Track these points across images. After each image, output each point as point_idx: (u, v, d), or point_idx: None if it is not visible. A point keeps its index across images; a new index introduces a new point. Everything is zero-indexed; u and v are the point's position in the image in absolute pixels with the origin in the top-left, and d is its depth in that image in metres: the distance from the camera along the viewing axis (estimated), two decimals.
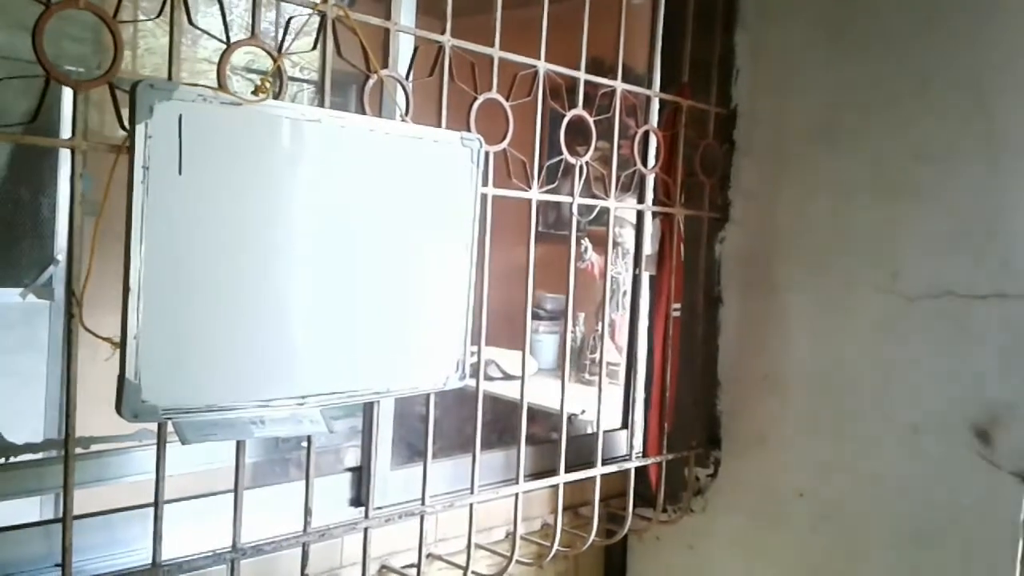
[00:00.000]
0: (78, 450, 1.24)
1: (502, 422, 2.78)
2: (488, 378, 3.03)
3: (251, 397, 1.33)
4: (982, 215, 1.79)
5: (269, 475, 2.44)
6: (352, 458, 1.93)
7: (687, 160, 2.10)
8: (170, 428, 1.28)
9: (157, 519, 1.30)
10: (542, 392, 2.31)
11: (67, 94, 2.40)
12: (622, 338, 3.12)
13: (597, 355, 3.63)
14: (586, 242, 3.44)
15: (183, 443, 1.24)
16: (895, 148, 1.92)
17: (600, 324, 3.59)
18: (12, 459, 1.98)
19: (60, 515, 1.24)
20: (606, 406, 2.06)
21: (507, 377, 3.34)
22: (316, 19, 1.42)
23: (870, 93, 1.96)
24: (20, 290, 2.85)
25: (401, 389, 1.56)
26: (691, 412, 2.21)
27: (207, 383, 1.28)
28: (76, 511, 1.24)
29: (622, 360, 2.86)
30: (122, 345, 1.18)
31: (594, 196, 1.93)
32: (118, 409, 1.19)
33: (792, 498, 2.08)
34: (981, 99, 1.80)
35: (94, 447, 1.96)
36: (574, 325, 3.42)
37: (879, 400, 1.93)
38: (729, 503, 2.22)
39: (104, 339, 1.20)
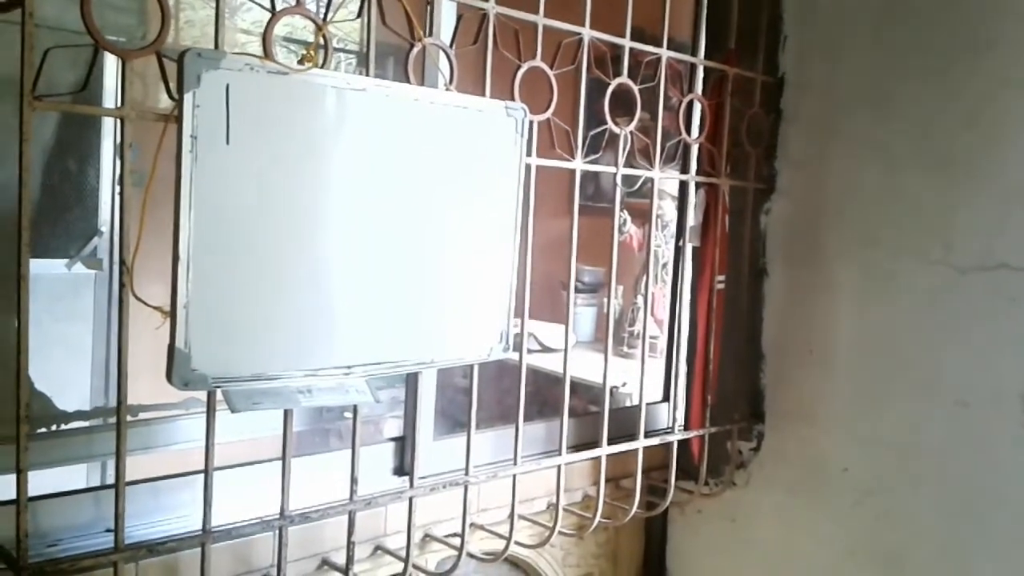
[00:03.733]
0: (127, 418, 1.25)
1: (541, 394, 2.78)
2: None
3: (298, 366, 1.33)
4: None
5: (311, 445, 2.47)
6: (393, 428, 1.94)
7: (733, 130, 2.06)
8: (218, 396, 1.29)
9: (207, 487, 1.32)
10: (580, 365, 2.30)
11: (109, 66, 2.42)
12: (661, 311, 3.09)
13: (636, 328, 3.62)
14: (624, 214, 3.41)
15: (232, 411, 1.25)
16: (947, 116, 1.87)
17: (641, 297, 3.57)
18: (62, 427, 2.01)
19: (109, 482, 1.26)
20: (647, 378, 2.05)
21: (545, 349, 3.34)
22: None
23: (922, 60, 1.90)
24: (66, 261, 2.89)
25: (446, 359, 1.55)
26: (734, 385, 2.19)
27: (255, 352, 1.28)
28: (126, 479, 1.26)
29: (661, 333, 2.84)
30: (172, 314, 1.19)
31: (635, 167, 1.90)
32: (169, 378, 1.19)
33: (837, 472, 2.05)
34: None
35: (142, 415, 1.99)
36: (609, 291, 3.40)
37: (928, 374, 1.90)
38: (772, 477, 2.20)
39: (154, 308, 1.21)
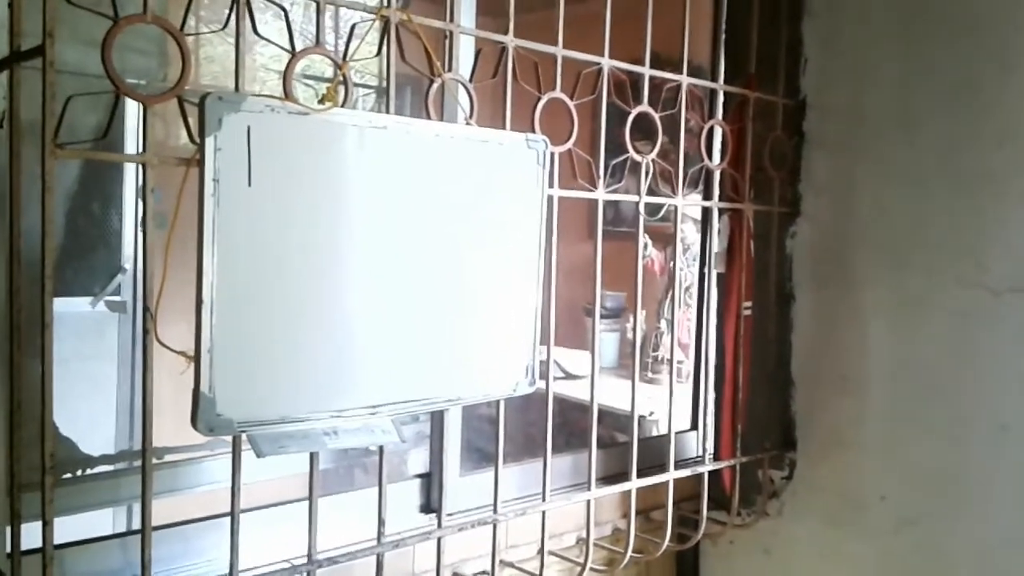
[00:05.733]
0: (152, 460, 1.24)
1: (567, 423, 2.75)
2: None
3: (323, 408, 1.32)
4: None
5: (336, 481, 2.44)
6: (417, 463, 1.92)
7: (755, 154, 2.04)
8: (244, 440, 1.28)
9: (233, 533, 1.30)
10: (605, 391, 2.26)
11: (131, 107, 2.44)
12: (684, 335, 3.06)
13: (660, 353, 3.58)
14: (645, 238, 3.38)
15: (258, 456, 1.24)
16: (976, 135, 1.83)
17: (664, 322, 3.54)
18: (87, 471, 2.01)
19: (136, 526, 1.25)
20: (674, 406, 2.01)
21: (568, 377, 3.31)
22: (375, 24, 1.40)
23: (947, 79, 1.87)
24: (90, 299, 2.90)
25: (472, 396, 1.53)
26: (764, 413, 2.15)
27: (280, 395, 1.27)
28: (152, 523, 1.24)
29: (686, 358, 2.81)
30: (196, 359, 1.18)
31: (658, 193, 1.88)
32: (194, 423, 1.18)
33: (873, 501, 2.01)
34: None
35: (167, 457, 1.98)
36: (635, 321, 3.37)
37: (965, 398, 1.85)
38: (806, 506, 2.15)
39: (179, 353, 1.20)
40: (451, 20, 1.53)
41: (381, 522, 1.48)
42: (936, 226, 1.89)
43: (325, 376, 1.32)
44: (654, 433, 2.77)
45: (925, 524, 1.92)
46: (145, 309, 1.17)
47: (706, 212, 2.10)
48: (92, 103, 1.35)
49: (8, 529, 1.13)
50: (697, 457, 2.25)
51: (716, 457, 2.13)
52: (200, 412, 1.18)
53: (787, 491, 2.19)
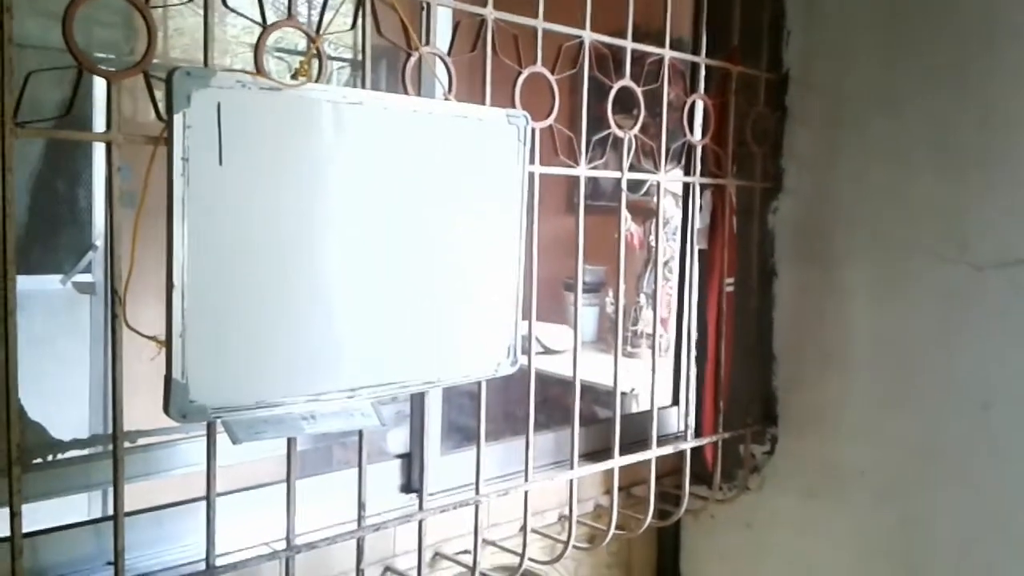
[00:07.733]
0: (125, 444, 1.21)
1: (549, 401, 2.73)
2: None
3: (300, 392, 1.29)
4: None
5: (315, 461, 2.42)
6: (397, 443, 1.90)
7: (737, 129, 2.01)
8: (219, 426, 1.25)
9: (209, 520, 1.27)
10: (584, 365, 2.25)
11: (99, 81, 2.37)
12: (664, 309, 3.05)
13: (639, 327, 3.57)
14: (624, 212, 3.36)
15: (233, 443, 1.21)
16: (960, 112, 1.82)
17: (644, 295, 3.53)
18: (59, 456, 1.97)
19: (110, 512, 1.22)
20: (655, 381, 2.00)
21: (548, 351, 3.29)
22: None
23: (932, 56, 1.85)
24: (61, 276, 2.84)
25: (452, 378, 1.51)
26: (746, 388, 2.15)
27: (255, 379, 1.24)
28: (126, 508, 1.21)
29: (665, 332, 2.80)
30: (168, 344, 1.14)
31: (639, 168, 1.86)
32: (166, 410, 1.15)
33: (853, 475, 2.01)
34: None
35: (141, 441, 1.94)
36: (616, 298, 3.35)
37: (946, 374, 1.85)
38: (787, 481, 2.15)
39: (149, 338, 1.16)
40: None
41: (361, 505, 1.46)
42: (919, 202, 1.88)
43: (302, 359, 1.29)
44: (635, 408, 2.77)
45: (904, 499, 1.93)
46: (113, 292, 1.13)
47: (687, 187, 2.08)
48: (58, 78, 1.30)
49: None
50: (679, 433, 2.24)
51: (698, 433, 2.13)
52: (172, 398, 1.15)
53: (768, 466, 2.19)
